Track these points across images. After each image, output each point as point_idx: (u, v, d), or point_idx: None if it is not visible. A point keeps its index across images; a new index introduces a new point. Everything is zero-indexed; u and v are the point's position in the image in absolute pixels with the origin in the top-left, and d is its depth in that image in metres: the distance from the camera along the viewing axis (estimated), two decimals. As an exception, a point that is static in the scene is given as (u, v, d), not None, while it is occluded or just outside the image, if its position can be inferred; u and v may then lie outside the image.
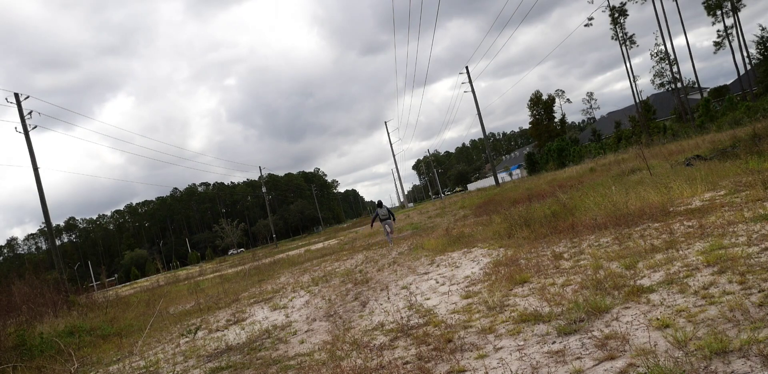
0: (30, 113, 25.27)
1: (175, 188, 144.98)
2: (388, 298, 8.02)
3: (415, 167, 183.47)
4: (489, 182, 75.65)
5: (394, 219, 18.32)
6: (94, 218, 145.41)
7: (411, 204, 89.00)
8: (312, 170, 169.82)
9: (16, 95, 25.10)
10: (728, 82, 57.81)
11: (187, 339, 8.69)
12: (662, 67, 52.62)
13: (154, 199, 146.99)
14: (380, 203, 18.36)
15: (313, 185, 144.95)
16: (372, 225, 21.52)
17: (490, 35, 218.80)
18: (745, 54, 45.78)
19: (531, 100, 72.37)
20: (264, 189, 79.59)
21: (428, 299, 7.18)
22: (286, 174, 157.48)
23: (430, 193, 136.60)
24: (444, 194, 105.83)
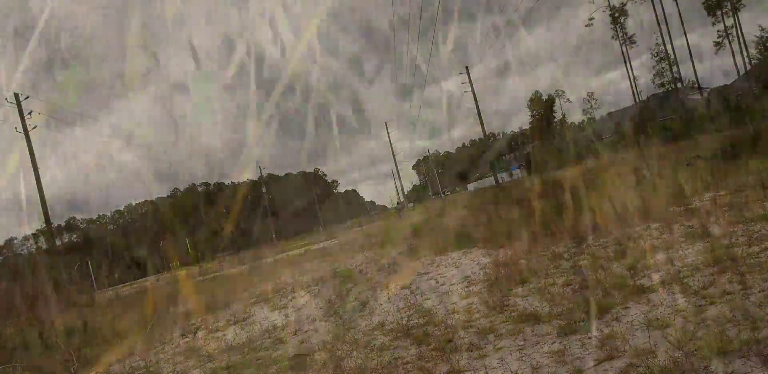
0: (30, 113, 25.28)
1: (176, 188, 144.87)
2: (388, 298, 8.02)
3: (415, 166, 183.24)
4: (489, 182, 75.51)
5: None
6: (95, 218, 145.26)
7: (411, 204, 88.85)
8: (312, 170, 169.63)
9: (16, 95, 25.11)
10: (728, 83, 57.74)
11: (187, 339, 8.69)
12: (662, 67, 52.70)
13: (154, 199, 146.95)
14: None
15: (313, 185, 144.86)
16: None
17: (495, 35, 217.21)
18: (745, 54, 45.78)
19: (531, 100, 72.49)
20: (264, 189, 79.48)
21: (428, 299, 7.18)
22: (286, 174, 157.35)
23: (429, 193, 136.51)
24: (444, 194, 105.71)
